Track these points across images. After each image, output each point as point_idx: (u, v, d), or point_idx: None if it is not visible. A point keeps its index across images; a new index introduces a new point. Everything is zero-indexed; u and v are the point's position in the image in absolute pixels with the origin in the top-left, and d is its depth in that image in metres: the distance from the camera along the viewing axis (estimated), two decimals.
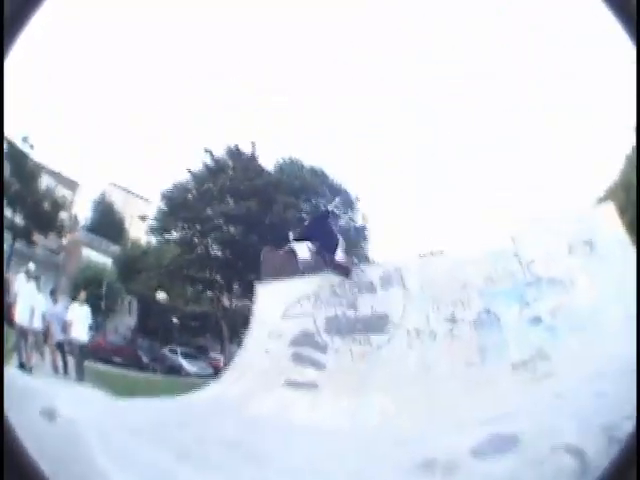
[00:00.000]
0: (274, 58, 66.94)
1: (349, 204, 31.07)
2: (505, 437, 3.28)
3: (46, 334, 10.80)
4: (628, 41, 1.70)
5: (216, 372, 19.90)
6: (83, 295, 11.75)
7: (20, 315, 9.59)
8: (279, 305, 11.00)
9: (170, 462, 4.72)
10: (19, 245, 22.28)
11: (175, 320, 26.05)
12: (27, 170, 19.10)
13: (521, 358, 6.19)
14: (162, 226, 20.28)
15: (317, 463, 4.52)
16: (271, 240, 15.70)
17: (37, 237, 21.82)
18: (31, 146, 19.57)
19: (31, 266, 10.24)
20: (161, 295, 20.08)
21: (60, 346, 10.99)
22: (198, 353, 24.18)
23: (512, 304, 6.82)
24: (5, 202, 18.84)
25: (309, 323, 10.10)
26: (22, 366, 9.30)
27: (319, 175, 28.83)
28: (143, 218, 21.60)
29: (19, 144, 19.23)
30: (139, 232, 41.97)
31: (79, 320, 10.90)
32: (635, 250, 5.17)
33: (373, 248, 29.13)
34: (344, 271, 9.96)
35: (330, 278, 10.45)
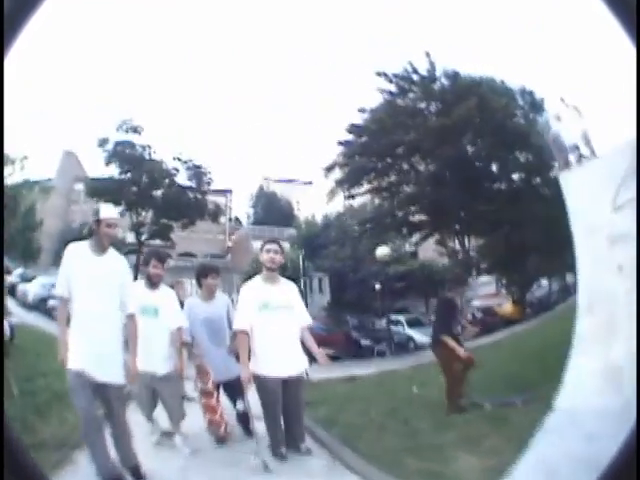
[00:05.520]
0: None
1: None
2: None
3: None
4: (628, 41, 1.63)
5: None
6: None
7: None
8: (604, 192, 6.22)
9: None
10: (175, 261, 20.35)
11: (377, 286, 22.23)
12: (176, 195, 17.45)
13: None
14: (358, 167, 15.80)
15: None
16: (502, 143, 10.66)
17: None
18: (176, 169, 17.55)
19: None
20: (383, 251, 16.04)
21: None
22: (423, 317, 19.87)
23: None
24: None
25: None
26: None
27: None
28: (329, 169, 17.65)
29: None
30: (308, 212, 41.00)
31: None
32: None
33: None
34: None
35: None
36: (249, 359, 4.71)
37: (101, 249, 4.31)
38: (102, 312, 4.18)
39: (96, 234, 4.28)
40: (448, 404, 6.31)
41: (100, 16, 18.28)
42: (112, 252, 4.39)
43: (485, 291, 19.27)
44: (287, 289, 5.00)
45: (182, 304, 7.35)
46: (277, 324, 4.71)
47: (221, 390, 5.56)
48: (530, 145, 13.17)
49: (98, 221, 4.26)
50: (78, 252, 4.33)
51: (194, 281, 6.14)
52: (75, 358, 4.02)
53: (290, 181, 51.55)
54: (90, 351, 4.05)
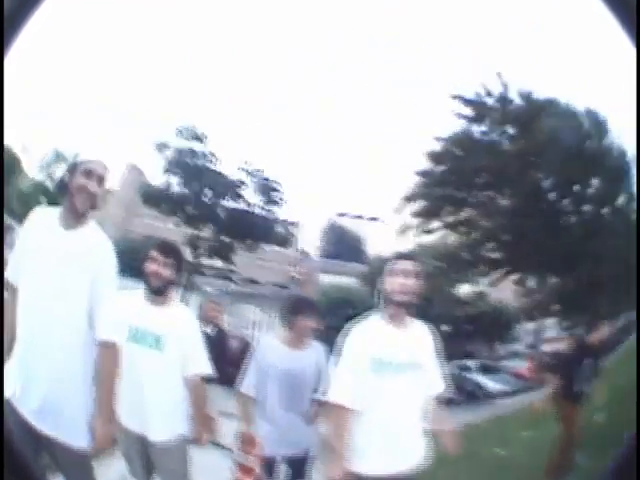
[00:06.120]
0: None
1: None
2: None
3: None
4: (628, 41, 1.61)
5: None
6: None
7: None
8: None
9: None
10: (235, 286, 19.65)
11: (445, 328, 20.87)
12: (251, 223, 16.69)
13: None
14: (439, 197, 14.73)
15: None
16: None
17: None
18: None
19: None
20: (467, 289, 15.12)
21: None
22: (495, 362, 18.53)
23: None
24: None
25: None
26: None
27: None
28: (408, 199, 16.40)
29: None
30: (378, 249, 40.64)
31: None
32: None
33: None
34: None
35: None
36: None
37: (74, 218, 2.55)
38: (57, 323, 2.46)
39: (68, 192, 2.54)
40: (553, 471, 5.34)
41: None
42: (92, 227, 2.65)
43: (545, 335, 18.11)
44: (417, 336, 3.00)
45: (213, 337, 5.49)
46: (398, 393, 2.73)
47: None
48: (603, 171, 11.93)
49: (73, 169, 2.56)
50: (43, 220, 2.61)
51: (257, 309, 5.02)
52: (11, 386, 2.40)
53: (360, 217, 51.52)
54: (31, 385, 2.40)
